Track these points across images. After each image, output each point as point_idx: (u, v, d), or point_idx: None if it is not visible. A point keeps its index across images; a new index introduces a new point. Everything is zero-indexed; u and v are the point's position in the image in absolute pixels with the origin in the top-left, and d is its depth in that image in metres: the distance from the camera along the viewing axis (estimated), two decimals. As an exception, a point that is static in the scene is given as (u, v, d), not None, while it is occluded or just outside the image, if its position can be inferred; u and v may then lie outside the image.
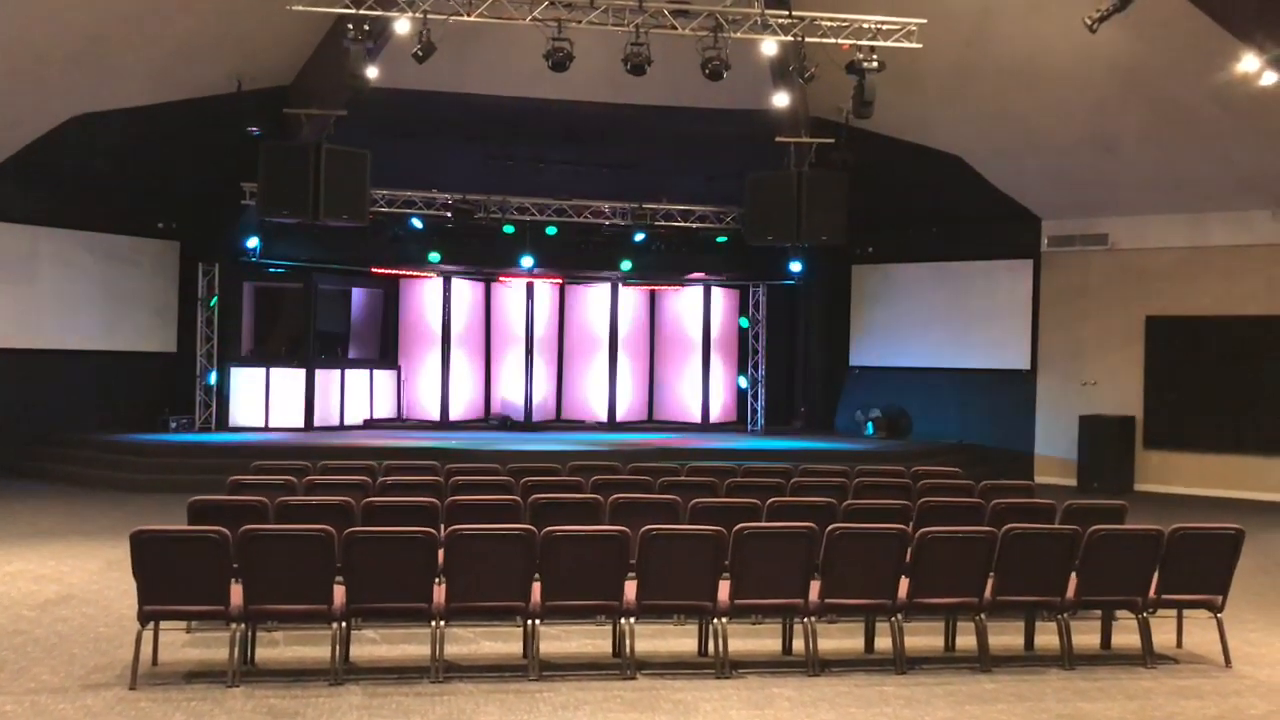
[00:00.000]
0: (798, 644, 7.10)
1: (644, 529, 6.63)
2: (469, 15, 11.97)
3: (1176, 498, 16.18)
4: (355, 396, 19.02)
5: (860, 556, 6.81)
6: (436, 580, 6.71)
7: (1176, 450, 16.87)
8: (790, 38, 12.67)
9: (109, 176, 16.35)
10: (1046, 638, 7.31)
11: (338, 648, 6.53)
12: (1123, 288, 17.43)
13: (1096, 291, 17.70)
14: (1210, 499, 16.04)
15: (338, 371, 18.91)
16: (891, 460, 14.55)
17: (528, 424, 19.83)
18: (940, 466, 11.41)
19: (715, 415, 20.82)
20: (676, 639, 7.47)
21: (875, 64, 12.64)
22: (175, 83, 15.16)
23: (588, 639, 7.42)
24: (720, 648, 6.73)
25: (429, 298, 19.87)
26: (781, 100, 14.79)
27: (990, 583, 6.97)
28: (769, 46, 12.86)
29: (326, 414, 18.52)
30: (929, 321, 19.13)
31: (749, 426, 20.03)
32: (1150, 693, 6.58)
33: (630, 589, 6.68)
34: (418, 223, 17.48)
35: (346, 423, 18.76)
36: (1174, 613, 7.48)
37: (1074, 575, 7.08)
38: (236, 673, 6.38)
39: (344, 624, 6.61)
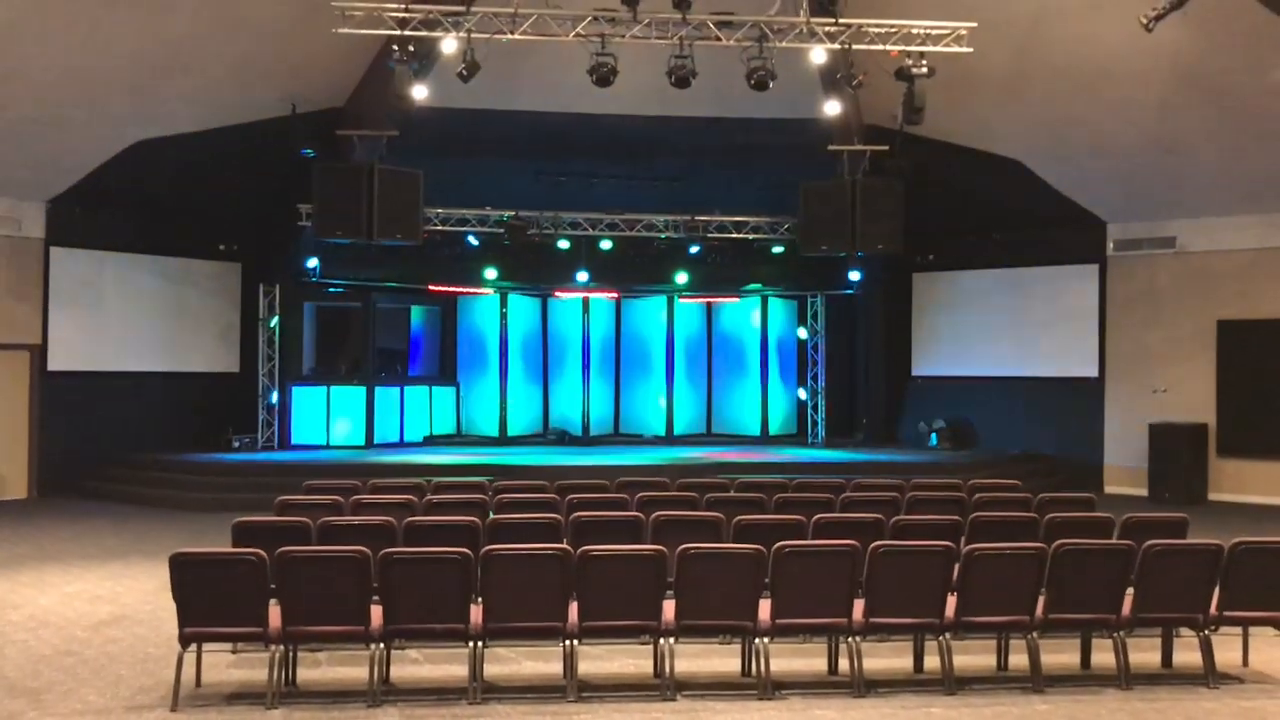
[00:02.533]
0: (843, 664, 6.93)
1: (681, 548, 6.52)
2: (513, 34, 11.99)
3: (1252, 507, 15.64)
4: (415, 413, 19.15)
5: (905, 574, 6.64)
6: (474, 600, 6.66)
7: (1251, 458, 16.31)
8: (838, 45, 12.49)
9: (170, 200, 16.70)
10: (1105, 656, 7.07)
11: (376, 669, 6.51)
12: (1192, 291, 16.93)
13: (1165, 296, 17.21)
14: (1288, 508, 15.51)
15: (397, 389, 19.07)
16: (954, 472, 14.24)
17: (585, 439, 19.80)
18: (1001, 479, 11.12)
19: (775, 428, 20.62)
20: (719, 659, 7.34)
21: (925, 70, 12.40)
22: (231, 107, 15.43)
23: (629, 659, 7.33)
24: (763, 668, 6.60)
25: (486, 314, 19.96)
26: (832, 108, 14.61)
27: (1042, 600, 6.75)
28: (817, 55, 12.69)
29: (387, 431, 18.67)
30: (993, 329, 18.76)
31: (809, 439, 19.79)
32: (1212, 714, 6.32)
33: (669, 608, 6.58)
34: (473, 240, 17.57)
35: (407, 440, 18.89)
36: (1238, 630, 7.19)
37: (1131, 591, 6.83)
38: (276, 694, 6.40)
39: (381, 645, 6.58)
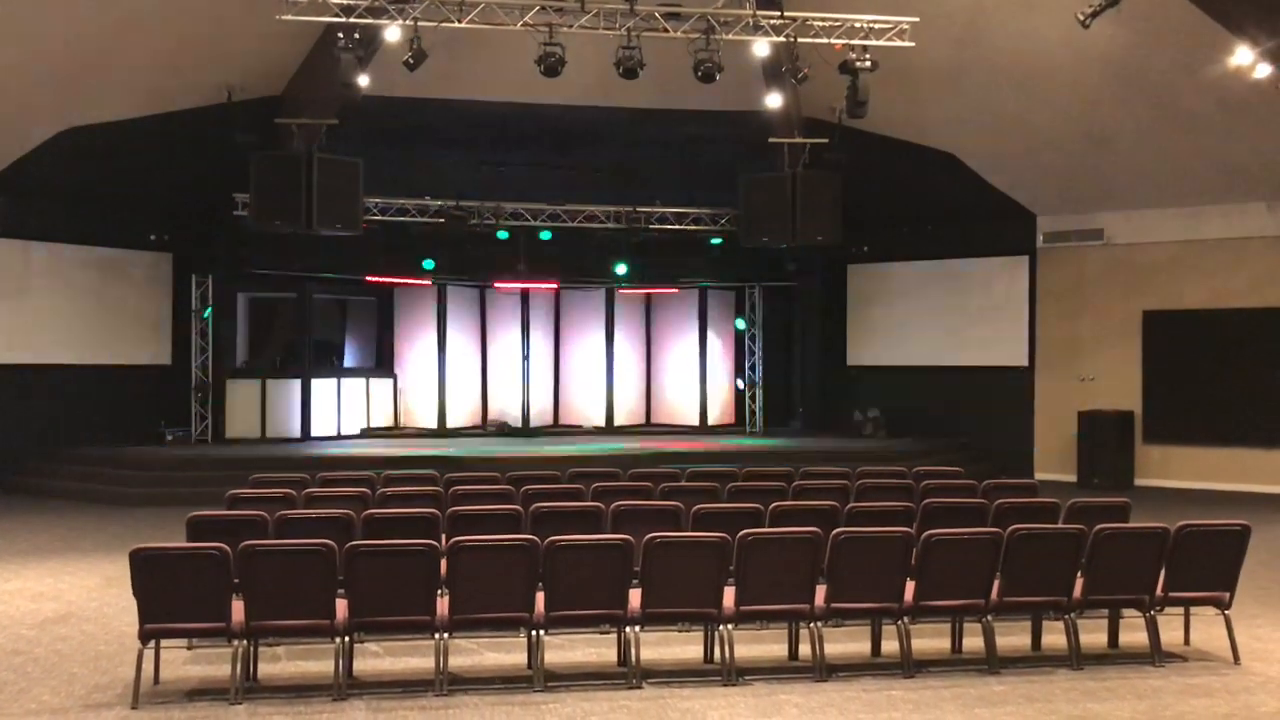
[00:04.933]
0: (804, 649, 7.04)
1: (647, 537, 6.57)
2: (460, 22, 11.92)
3: (1177, 492, 16.16)
4: (352, 405, 18.95)
5: (865, 560, 6.76)
6: (439, 592, 6.65)
7: (1176, 444, 16.86)
8: (782, 38, 12.63)
9: (100, 189, 16.28)
10: (1054, 638, 7.28)
11: (341, 662, 6.47)
12: (1119, 283, 17.41)
13: (1093, 287, 17.68)
14: (1211, 492, 16.03)
15: (334, 381, 18.84)
16: (891, 460, 14.51)
17: (525, 430, 19.77)
18: (941, 466, 11.36)
19: (713, 417, 20.78)
20: (682, 646, 7.42)
21: (868, 63, 12.60)
22: (165, 95, 15.10)
23: (592, 649, 7.36)
24: (727, 654, 6.68)
25: (424, 305, 19.79)
26: (774, 101, 14.76)
27: (997, 584, 6.92)
28: (761, 48, 12.84)
29: (323, 423, 18.45)
30: (926, 320, 19.10)
31: (747, 428, 19.98)
32: (1160, 691, 6.54)
33: (634, 597, 6.63)
34: (413, 230, 17.41)
35: (343, 432, 18.68)
36: (1181, 610, 7.45)
37: (1080, 575, 7.04)
38: (239, 690, 6.32)
39: (347, 638, 6.54)
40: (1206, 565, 7.13)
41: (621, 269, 18.97)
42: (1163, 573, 7.06)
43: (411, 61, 12.02)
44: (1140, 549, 7.05)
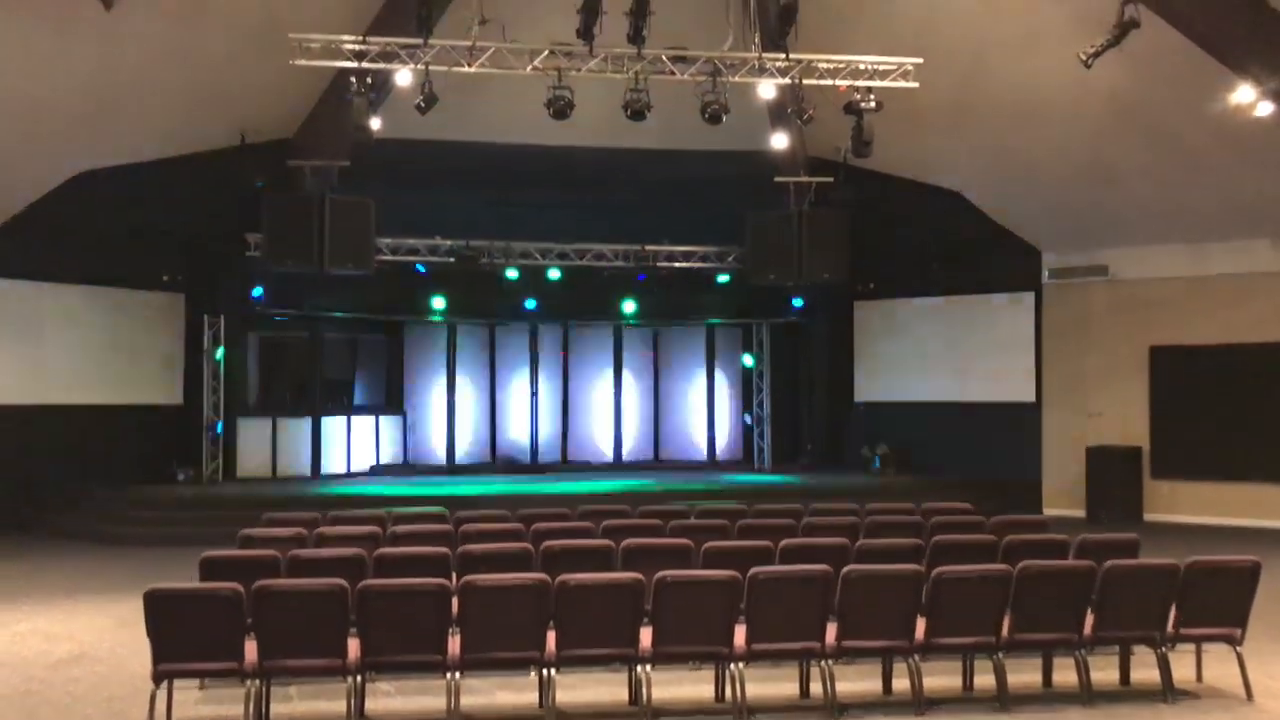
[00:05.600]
0: (815, 687, 7.05)
1: (658, 576, 6.60)
2: (470, 66, 12.09)
3: (1186, 527, 16.11)
4: (362, 443, 19.02)
5: (876, 598, 6.79)
6: (451, 631, 6.68)
7: (1184, 479, 16.82)
8: (788, 80, 12.77)
9: (113, 231, 16.41)
10: (1065, 675, 7.26)
11: (353, 701, 6.49)
12: (1125, 318, 17.45)
13: (1099, 323, 17.72)
14: (1220, 528, 15.98)
15: (344, 419, 18.93)
16: (900, 496, 14.48)
17: (534, 466, 19.80)
18: (950, 502, 11.36)
19: (721, 453, 20.81)
20: (693, 685, 7.42)
21: (873, 104, 12.73)
22: (179, 138, 15.32)
23: (604, 687, 7.37)
24: (738, 693, 6.69)
25: (434, 343, 19.91)
26: (780, 142, 14.91)
27: (1007, 621, 6.93)
28: (767, 90, 12.97)
29: (333, 462, 18.51)
30: (933, 356, 19.14)
31: (756, 464, 19.98)
32: (1172, 729, 6.54)
33: (645, 636, 6.65)
34: (423, 269, 17.55)
35: (354, 470, 18.74)
36: (1193, 647, 7.44)
37: (1090, 611, 7.05)
38: (253, 730, 6.34)
39: (359, 678, 6.57)
40: (1218, 601, 7.14)
41: (629, 306, 19.08)
42: (1174, 609, 7.07)
43: (423, 105, 12.18)
44: (1150, 585, 7.06)
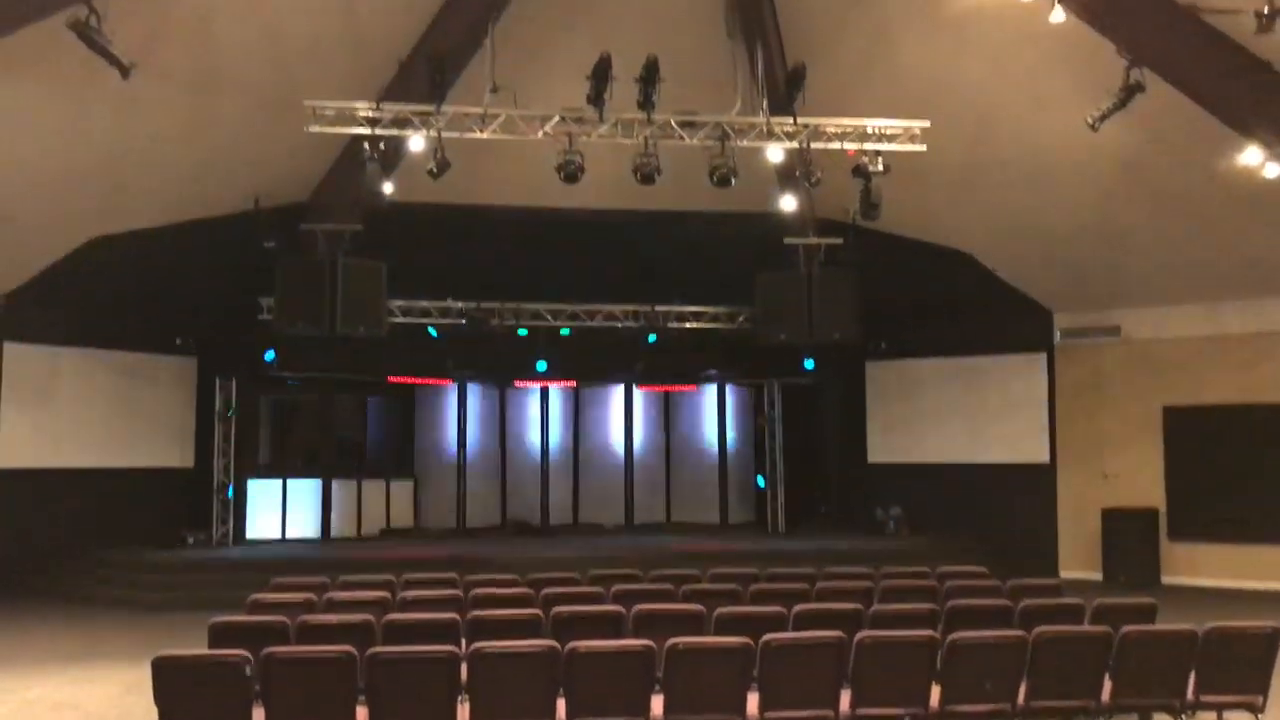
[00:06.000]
0: (830, 756, 6.92)
1: (669, 643, 6.52)
2: (482, 132, 12.23)
3: (1205, 591, 15.91)
4: (372, 506, 18.97)
5: (890, 664, 6.69)
6: (460, 699, 6.60)
7: (1202, 542, 16.63)
8: (796, 144, 12.88)
9: (127, 295, 16.57)
10: (1083, 743, 7.14)
11: (361, 772, 6.40)
12: (1139, 379, 17.38)
13: (1112, 383, 17.66)
14: (1240, 591, 15.78)
15: (354, 481, 18.90)
16: (915, 559, 14.34)
17: (544, 529, 19.71)
18: (965, 565, 11.25)
19: (734, 516, 20.69)
20: (705, 754, 7.29)
21: (880, 167, 12.82)
22: (193, 203, 15.48)
23: (614, 756, 7.25)
24: (751, 763, 6.58)
25: (444, 404, 19.94)
26: (789, 204, 14.99)
27: (1024, 687, 6.83)
28: (775, 153, 13.07)
29: (343, 524, 18.46)
30: (946, 416, 19.06)
31: (769, 527, 19.85)
32: (1195, 800, 6.40)
33: (657, 704, 6.56)
34: (434, 330, 17.61)
35: (364, 533, 18.68)
36: (1214, 715, 7.30)
37: (1108, 677, 6.94)
38: (258, 800, 6.25)
39: (367, 747, 6.48)
40: (1238, 667, 7.01)
41: (640, 366, 19.09)
42: (1193, 675, 6.96)
43: (435, 170, 12.31)
44: (1169, 651, 6.94)
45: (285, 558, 15.70)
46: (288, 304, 15.08)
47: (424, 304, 17.29)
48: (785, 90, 12.71)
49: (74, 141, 13.41)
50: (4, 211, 14.01)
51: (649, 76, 11.71)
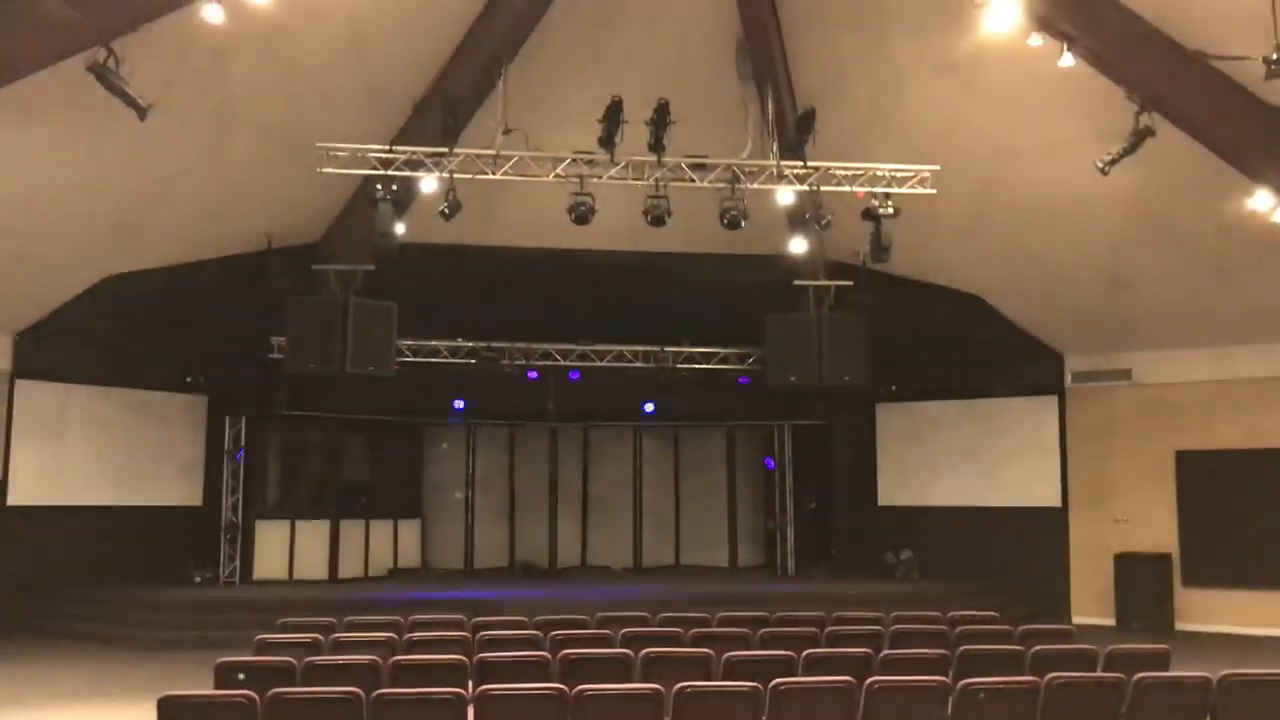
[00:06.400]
0: (840, 804, 6.84)
1: (678, 687, 6.48)
2: (494, 174, 12.32)
3: (1220, 637, 15.73)
4: (379, 547, 18.91)
5: (901, 710, 6.62)
6: (467, 742, 6.55)
7: (1216, 588, 16.46)
8: (806, 187, 12.94)
9: (138, 333, 16.62)
10: (1097, 793, 7.04)
11: (366, 816, 6.33)
12: (1150, 422, 17.30)
13: (1124, 427, 17.57)
14: (1256, 638, 15.59)
15: (362, 522, 18.85)
16: (925, 603, 14.28)
17: (552, 571, 19.62)
18: (976, 610, 11.16)
19: (744, 559, 20.57)
20: (713, 800, 7.21)
21: (891, 210, 12.87)
22: (206, 242, 15.58)
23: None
24: (760, 810, 6.50)
25: (453, 445, 19.92)
26: (799, 247, 15.04)
27: (1036, 735, 6.75)
28: (785, 196, 13.14)
29: (351, 565, 18.39)
30: (956, 459, 18.96)
31: (778, 570, 19.72)
32: None
33: (665, 749, 6.50)
34: (444, 371, 17.62)
35: (371, 573, 18.61)
36: (1229, 764, 7.20)
37: (1123, 725, 6.86)
38: (262, 844, 6.19)
39: (372, 791, 6.42)
40: (1254, 716, 6.93)
41: (650, 408, 19.07)
42: (1208, 724, 6.87)
43: (447, 211, 12.39)
44: (1183, 699, 6.86)
45: (293, 598, 15.61)
46: (298, 344, 15.13)
47: (434, 343, 17.31)
48: (796, 133, 12.81)
49: (90, 181, 13.52)
50: (20, 250, 14.10)
51: (660, 119, 11.81)
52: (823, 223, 13.19)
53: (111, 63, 10.68)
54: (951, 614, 10.13)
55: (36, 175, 13.04)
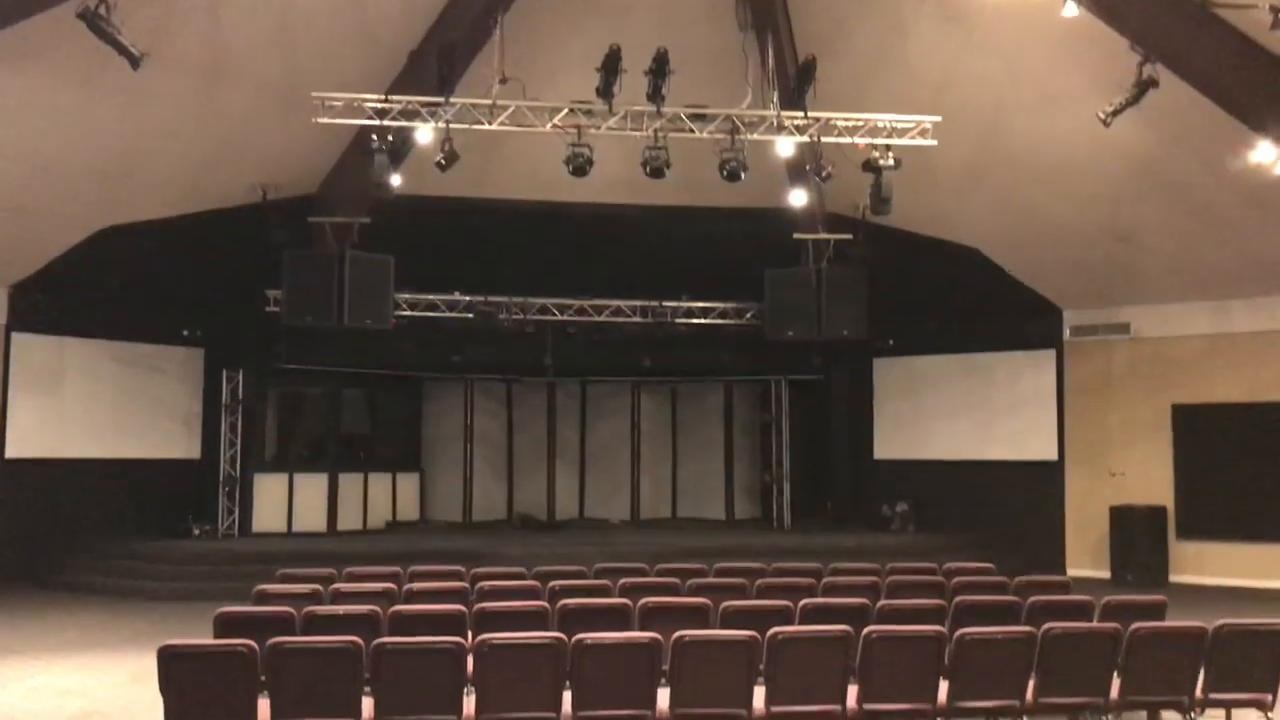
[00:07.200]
0: (836, 751, 6.89)
1: (676, 636, 6.51)
2: (490, 124, 12.21)
3: (1214, 589, 15.84)
4: (378, 500, 18.96)
5: (898, 660, 6.66)
6: (466, 691, 6.59)
7: (1211, 540, 16.56)
8: (806, 138, 12.84)
9: (134, 286, 16.58)
10: (1091, 740, 7.11)
11: (366, 762, 6.38)
12: (1148, 376, 17.31)
13: (1121, 381, 17.59)
14: (1249, 590, 15.71)
15: (360, 475, 18.88)
16: (921, 555, 14.32)
17: (550, 524, 19.70)
18: (972, 562, 11.22)
19: (740, 512, 20.66)
20: (711, 748, 7.27)
21: (891, 162, 12.77)
22: (201, 195, 15.47)
23: (620, 749, 7.23)
24: (757, 757, 6.55)
25: (452, 399, 19.92)
26: (799, 199, 14.95)
27: (1032, 684, 6.79)
28: (785, 147, 13.03)
29: (349, 517, 18.45)
30: (953, 413, 19.00)
31: (775, 523, 19.81)
32: (1203, 798, 6.36)
33: (663, 697, 6.54)
34: (441, 325, 17.57)
35: (369, 526, 18.67)
36: (1222, 712, 7.26)
37: (1117, 675, 6.90)
38: (263, 790, 6.24)
39: (372, 738, 6.47)
40: (1247, 665, 6.97)
41: (647, 362, 19.04)
42: (1202, 673, 6.92)
43: (443, 162, 12.28)
44: (1178, 648, 6.90)
45: (291, 550, 15.66)
46: (295, 297, 15.09)
47: (431, 297, 17.25)
48: (796, 84, 12.68)
49: (83, 132, 13.40)
50: (13, 202, 14.01)
51: (659, 69, 11.68)
52: (823, 175, 13.09)
53: (103, 10, 10.53)
54: (947, 565, 10.18)
55: (26, 125, 12.92)
